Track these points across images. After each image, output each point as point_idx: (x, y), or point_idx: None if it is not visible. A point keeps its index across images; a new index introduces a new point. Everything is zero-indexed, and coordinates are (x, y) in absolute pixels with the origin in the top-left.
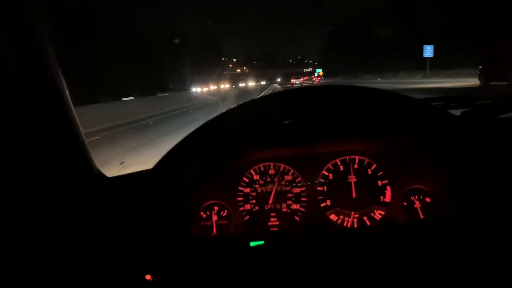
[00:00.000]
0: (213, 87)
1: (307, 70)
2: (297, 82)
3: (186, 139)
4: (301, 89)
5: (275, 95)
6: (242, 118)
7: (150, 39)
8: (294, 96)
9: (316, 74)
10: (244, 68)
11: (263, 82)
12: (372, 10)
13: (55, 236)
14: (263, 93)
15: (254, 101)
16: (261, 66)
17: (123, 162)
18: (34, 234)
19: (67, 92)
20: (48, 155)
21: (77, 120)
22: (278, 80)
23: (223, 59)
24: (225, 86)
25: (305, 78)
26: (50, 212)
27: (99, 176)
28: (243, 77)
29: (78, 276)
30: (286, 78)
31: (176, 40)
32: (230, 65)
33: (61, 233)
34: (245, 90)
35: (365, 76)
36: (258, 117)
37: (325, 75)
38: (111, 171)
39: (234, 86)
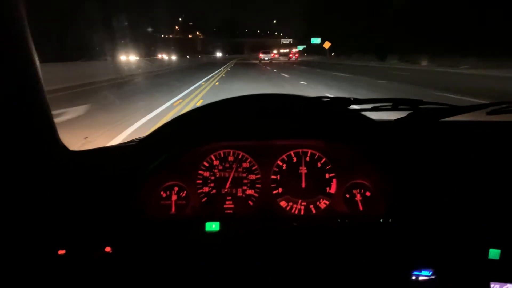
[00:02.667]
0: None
1: (286, 41)
2: (266, 59)
3: (155, 132)
4: (248, 96)
5: (229, 99)
6: (204, 115)
7: None
8: (244, 102)
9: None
10: (198, 33)
11: (219, 54)
12: None
13: (14, 205)
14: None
15: (216, 102)
16: (222, 35)
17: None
18: None
19: (36, 57)
20: (14, 124)
21: (44, 88)
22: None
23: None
24: (162, 57)
25: (275, 55)
26: (9, 182)
27: (62, 148)
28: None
29: (36, 242)
30: (254, 52)
31: None
32: (177, 27)
33: (20, 201)
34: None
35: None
36: (217, 115)
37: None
38: (74, 145)
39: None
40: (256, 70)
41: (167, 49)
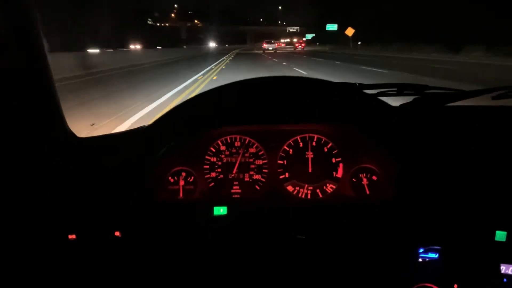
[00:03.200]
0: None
1: (293, 29)
2: (270, 48)
3: (163, 118)
4: (255, 79)
5: (237, 83)
6: (212, 100)
7: None
8: (253, 85)
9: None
10: (197, 21)
11: (213, 45)
12: None
13: (26, 192)
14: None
15: (222, 87)
16: (224, 23)
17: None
18: (4, 193)
19: (45, 47)
20: (22, 111)
21: (53, 76)
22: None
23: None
24: (136, 47)
25: (280, 44)
26: (20, 169)
27: (71, 136)
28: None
29: (47, 227)
30: (258, 41)
31: None
32: (173, 15)
33: (31, 190)
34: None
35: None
36: (225, 99)
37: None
38: (81, 132)
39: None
40: (261, 64)
41: (145, 39)
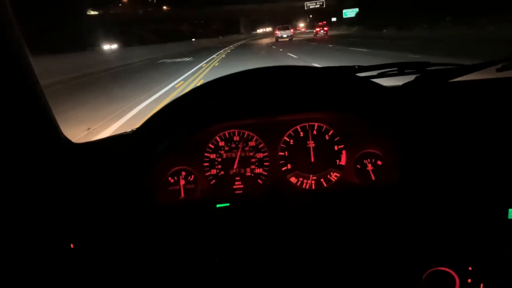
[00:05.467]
0: None
1: (314, 4)
2: (285, 36)
3: (158, 113)
4: (249, 71)
5: (232, 75)
6: (208, 94)
7: None
8: (248, 76)
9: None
10: (166, 7)
11: (109, 47)
12: None
13: (23, 205)
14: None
15: (217, 79)
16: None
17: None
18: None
19: (27, 51)
20: (13, 120)
21: (40, 82)
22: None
23: None
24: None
25: (300, 28)
26: (15, 179)
27: (66, 142)
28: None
29: (46, 240)
30: (261, 27)
31: None
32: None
33: (28, 200)
34: None
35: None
36: (222, 93)
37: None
38: (76, 136)
39: None
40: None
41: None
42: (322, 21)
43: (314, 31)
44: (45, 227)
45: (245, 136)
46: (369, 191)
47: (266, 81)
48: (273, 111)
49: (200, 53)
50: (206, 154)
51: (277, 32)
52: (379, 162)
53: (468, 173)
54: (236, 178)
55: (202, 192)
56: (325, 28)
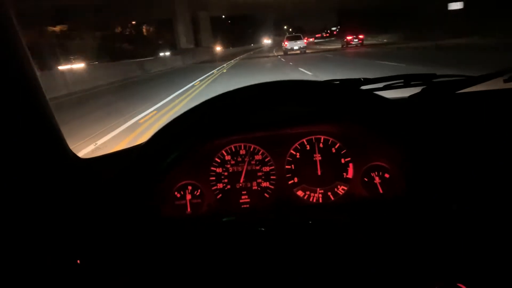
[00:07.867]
0: None
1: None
2: (295, 48)
3: (165, 128)
4: (255, 85)
5: (239, 89)
6: (214, 109)
7: None
8: (254, 89)
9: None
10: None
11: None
12: None
13: (30, 222)
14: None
15: (225, 93)
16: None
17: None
18: (6, 220)
19: (34, 66)
20: (20, 136)
21: (47, 97)
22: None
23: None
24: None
25: (312, 38)
26: (22, 196)
27: (73, 157)
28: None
29: (53, 256)
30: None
31: None
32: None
33: (36, 217)
34: None
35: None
36: (228, 106)
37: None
38: (83, 152)
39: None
40: None
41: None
42: (352, 26)
43: (344, 40)
44: (53, 243)
45: (251, 149)
46: (377, 204)
47: (272, 95)
48: (279, 124)
49: None
50: (212, 168)
51: (285, 43)
52: (387, 175)
53: (478, 186)
54: (243, 192)
55: (208, 207)
56: (360, 36)
